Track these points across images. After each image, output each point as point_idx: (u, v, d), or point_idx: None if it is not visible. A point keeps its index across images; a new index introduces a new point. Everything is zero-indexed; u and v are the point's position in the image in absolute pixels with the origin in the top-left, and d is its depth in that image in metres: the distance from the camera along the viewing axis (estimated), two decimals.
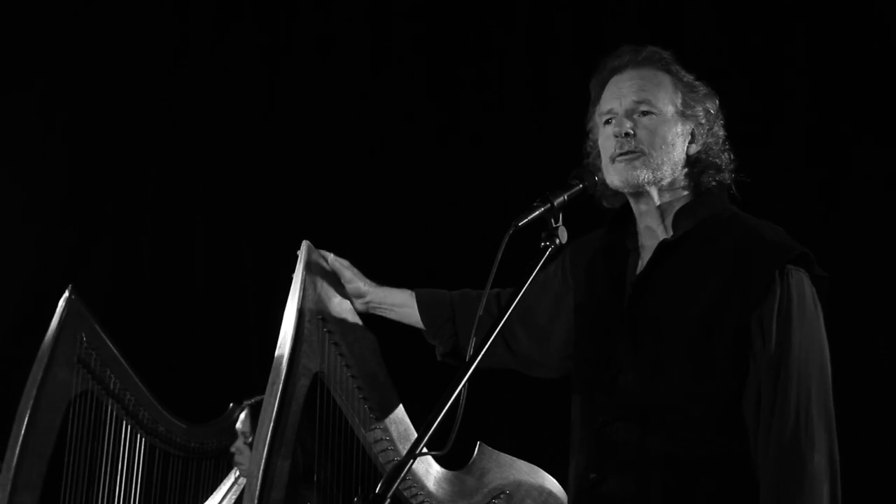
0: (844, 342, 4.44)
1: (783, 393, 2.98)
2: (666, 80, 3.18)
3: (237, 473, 4.21)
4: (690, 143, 3.17)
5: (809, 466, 2.94)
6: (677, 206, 3.16)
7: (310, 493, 3.53)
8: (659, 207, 3.16)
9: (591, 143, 3.27)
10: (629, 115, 3.13)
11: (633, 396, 3.08)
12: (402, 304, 3.47)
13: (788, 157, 4.78)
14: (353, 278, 3.44)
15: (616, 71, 3.20)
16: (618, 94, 3.16)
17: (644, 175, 3.11)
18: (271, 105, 5.46)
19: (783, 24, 4.82)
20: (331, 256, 3.45)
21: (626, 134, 3.11)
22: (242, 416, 3.95)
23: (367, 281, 3.44)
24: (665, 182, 3.14)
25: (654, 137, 3.13)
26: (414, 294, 3.48)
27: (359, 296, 3.42)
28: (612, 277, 3.21)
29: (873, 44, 4.71)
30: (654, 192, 3.14)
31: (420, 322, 3.48)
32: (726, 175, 3.20)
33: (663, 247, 3.13)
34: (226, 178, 5.45)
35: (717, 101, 3.22)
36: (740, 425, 3.03)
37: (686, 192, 3.18)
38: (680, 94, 3.17)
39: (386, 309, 3.47)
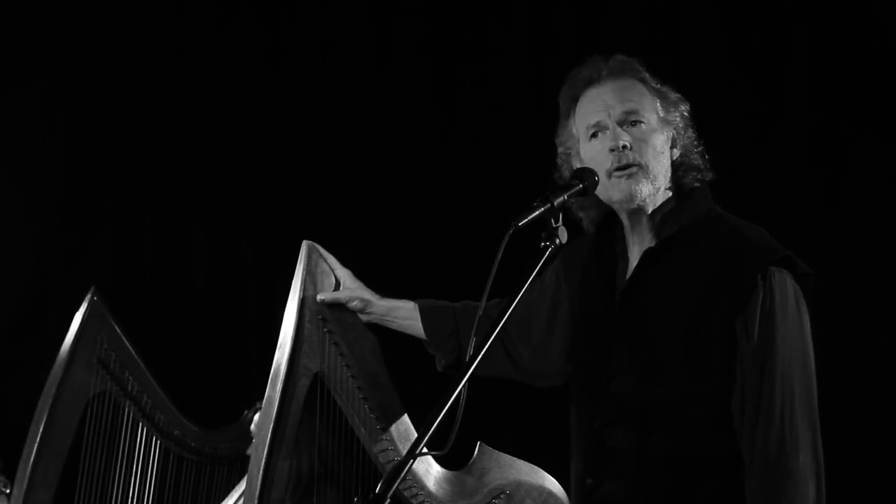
0: (844, 342, 4.47)
1: (768, 393, 2.99)
2: (643, 88, 3.17)
3: None
4: (672, 147, 3.17)
5: (794, 465, 2.95)
6: (664, 211, 3.15)
7: (331, 492, 3.51)
8: (649, 215, 3.16)
9: (562, 157, 3.26)
10: (621, 125, 3.12)
11: (629, 399, 3.09)
12: (405, 317, 3.46)
13: (788, 157, 4.78)
14: (356, 292, 3.43)
15: (592, 82, 3.18)
16: (603, 106, 3.14)
17: (645, 189, 3.11)
18: (271, 105, 5.46)
19: (783, 24, 4.83)
20: (331, 259, 3.44)
21: (624, 146, 3.10)
22: (256, 417, 3.93)
23: (370, 292, 3.43)
24: (660, 191, 3.15)
25: (647, 147, 3.12)
26: (417, 306, 3.47)
27: (362, 310, 3.41)
28: (603, 281, 3.22)
29: (873, 44, 4.71)
30: (648, 204, 3.14)
31: (423, 334, 3.47)
32: (706, 174, 3.20)
33: (649, 253, 3.14)
34: (226, 178, 5.45)
35: (688, 105, 3.22)
36: None
37: (670, 195, 3.17)
38: (658, 102, 3.17)
39: (389, 321, 3.46)
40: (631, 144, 3.10)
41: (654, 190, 3.12)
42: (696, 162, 3.19)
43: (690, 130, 3.21)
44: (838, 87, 4.73)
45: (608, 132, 3.12)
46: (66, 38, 5.47)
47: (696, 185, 3.18)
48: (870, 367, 4.59)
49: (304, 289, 3.34)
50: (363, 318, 3.41)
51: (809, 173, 4.77)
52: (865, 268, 4.63)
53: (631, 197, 3.11)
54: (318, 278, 3.39)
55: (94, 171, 5.49)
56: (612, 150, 3.10)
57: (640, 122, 3.12)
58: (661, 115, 3.15)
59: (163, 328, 5.30)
